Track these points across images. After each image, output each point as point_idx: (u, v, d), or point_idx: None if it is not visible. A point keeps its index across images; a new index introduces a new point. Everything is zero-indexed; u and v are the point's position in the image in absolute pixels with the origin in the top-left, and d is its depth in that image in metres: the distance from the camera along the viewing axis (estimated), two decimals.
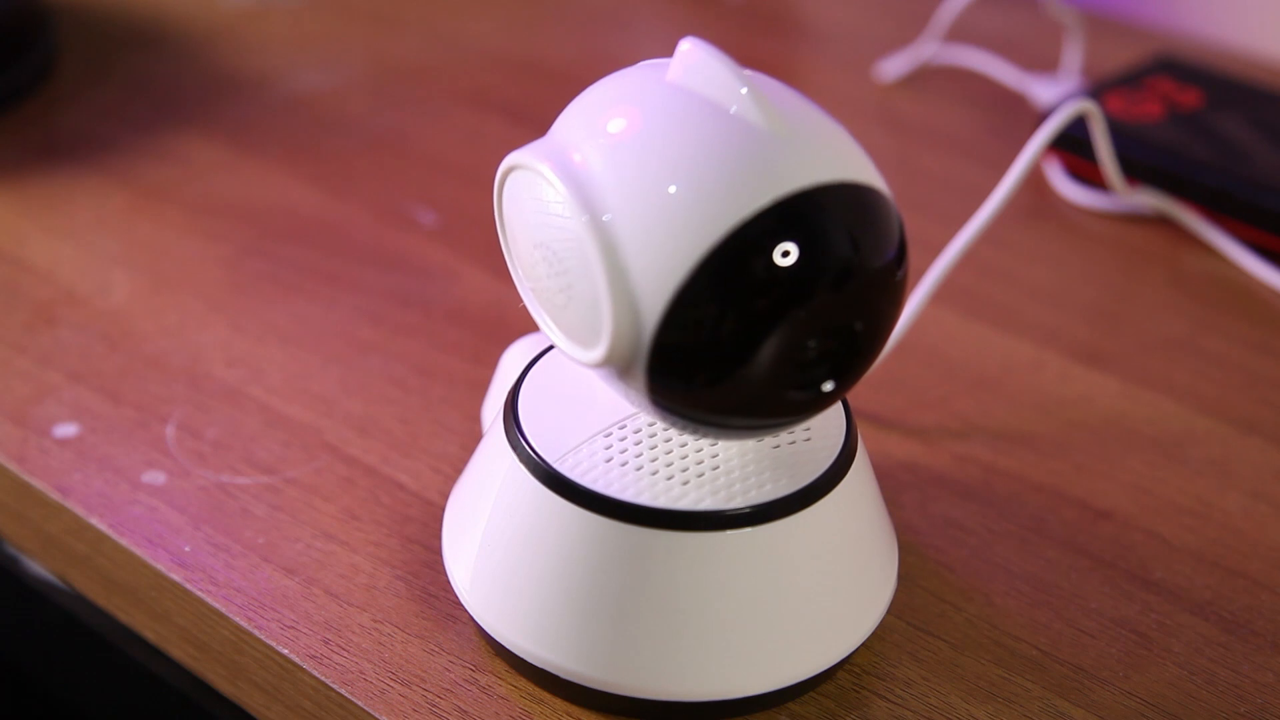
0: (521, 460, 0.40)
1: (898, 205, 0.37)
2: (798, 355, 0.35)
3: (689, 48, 0.36)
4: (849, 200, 0.35)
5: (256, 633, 0.42)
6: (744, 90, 0.35)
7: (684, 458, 0.39)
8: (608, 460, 0.39)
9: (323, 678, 0.41)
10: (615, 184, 0.35)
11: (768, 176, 0.34)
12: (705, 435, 0.39)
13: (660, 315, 0.34)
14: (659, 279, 0.34)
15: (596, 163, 0.35)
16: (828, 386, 0.36)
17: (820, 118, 0.36)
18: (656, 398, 0.36)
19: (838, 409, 0.42)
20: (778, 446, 0.40)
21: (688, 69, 0.36)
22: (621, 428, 0.40)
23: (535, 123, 0.38)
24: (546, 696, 0.40)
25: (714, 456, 0.39)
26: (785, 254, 0.34)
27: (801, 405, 0.37)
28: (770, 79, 0.37)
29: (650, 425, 0.40)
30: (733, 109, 0.35)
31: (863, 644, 0.41)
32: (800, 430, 0.40)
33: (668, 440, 0.40)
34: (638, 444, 0.39)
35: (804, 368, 0.35)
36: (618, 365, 0.36)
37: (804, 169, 0.35)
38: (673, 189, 0.34)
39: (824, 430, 0.41)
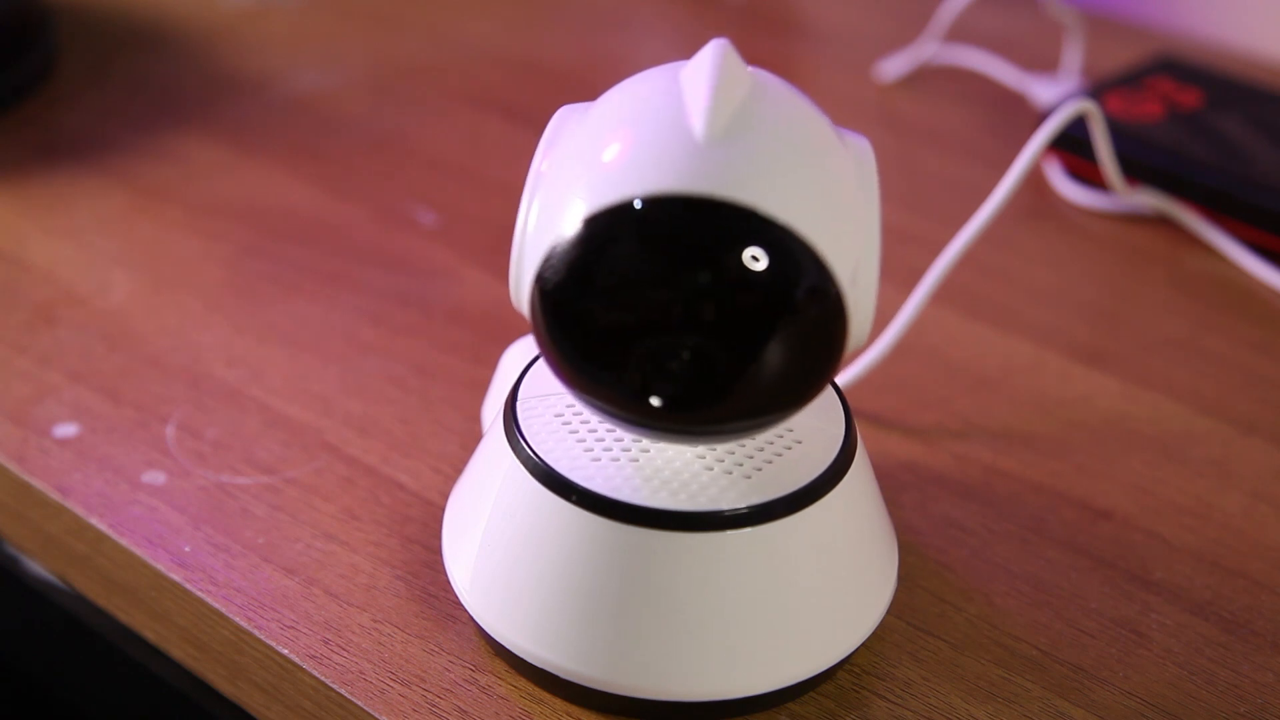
0: (521, 461, 0.40)
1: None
2: (626, 352, 0.35)
3: (707, 47, 0.37)
4: (722, 223, 0.35)
5: (256, 633, 0.42)
6: (704, 92, 0.35)
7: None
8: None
9: (323, 678, 0.41)
10: (562, 154, 0.37)
11: (660, 172, 0.35)
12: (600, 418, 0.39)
13: (536, 268, 0.36)
14: (544, 234, 0.36)
15: (567, 138, 0.38)
16: (655, 400, 0.36)
17: (785, 140, 0.36)
18: (542, 353, 0.38)
19: (837, 408, 0.42)
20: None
21: (692, 65, 0.37)
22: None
23: (535, 123, 0.38)
24: (546, 696, 0.40)
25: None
26: (623, 247, 0.35)
27: (637, 407, 0.36)
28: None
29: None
30: (685, 106, 0.36)
31: (863, 644, 0.41)
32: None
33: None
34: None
35: (634, 369, 0.36)
36: (524, 312, 0.38)
37: (701, 177, 0.35)
38: (583, 160, 0.36)
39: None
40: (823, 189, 0.36)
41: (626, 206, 0.35)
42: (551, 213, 0.36)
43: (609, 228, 0.35)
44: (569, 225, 0.35)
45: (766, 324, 0.35)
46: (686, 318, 0.35)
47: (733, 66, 0.36)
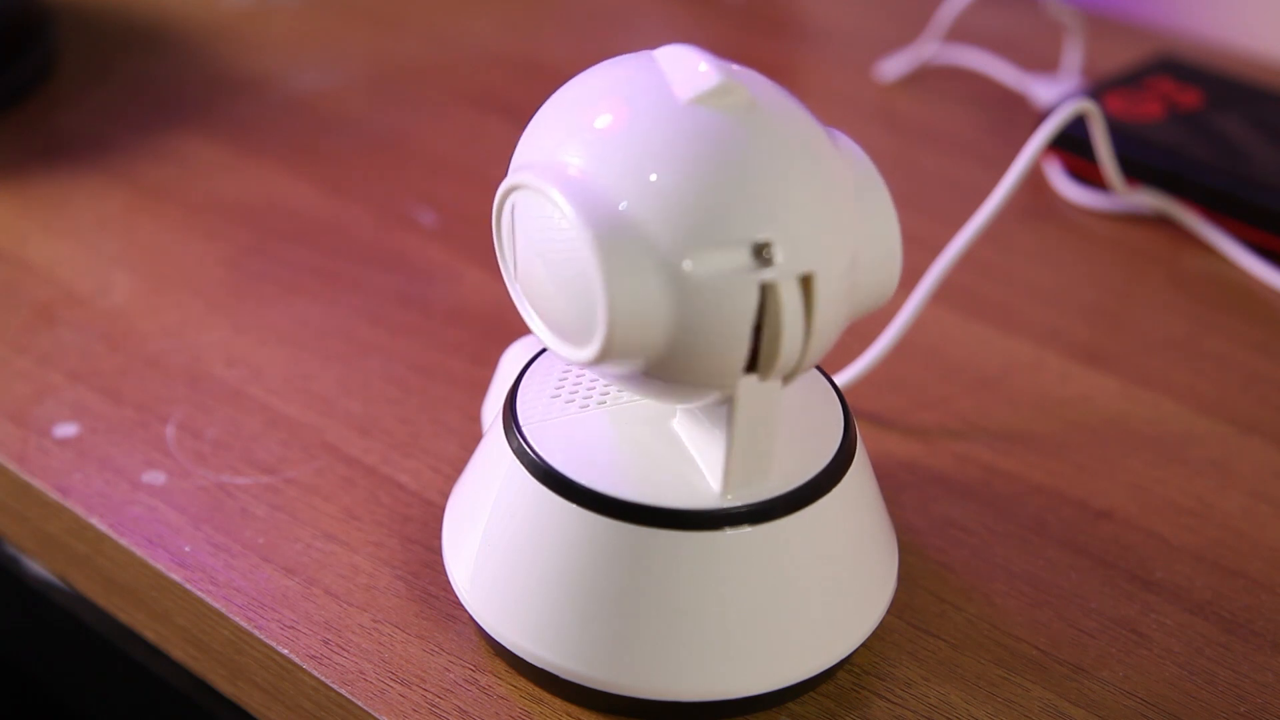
0: (521, 460, 0.40)
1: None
2: None
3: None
4: None
5: (256, 633, 0.42)
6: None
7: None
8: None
9: (323, 678, 0.41)
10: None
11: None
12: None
13: None
14: None
15: None
16: None
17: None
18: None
19: (836, 407, 0.41)
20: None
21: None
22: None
23: None
24: (546, 696, 0.40)
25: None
26: None
27: None
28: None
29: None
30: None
31: (863, 644, 0.41)
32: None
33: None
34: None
35: None
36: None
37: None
38: None
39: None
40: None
41: None
42: None
43: None
44: None
45: None
46: None
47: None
